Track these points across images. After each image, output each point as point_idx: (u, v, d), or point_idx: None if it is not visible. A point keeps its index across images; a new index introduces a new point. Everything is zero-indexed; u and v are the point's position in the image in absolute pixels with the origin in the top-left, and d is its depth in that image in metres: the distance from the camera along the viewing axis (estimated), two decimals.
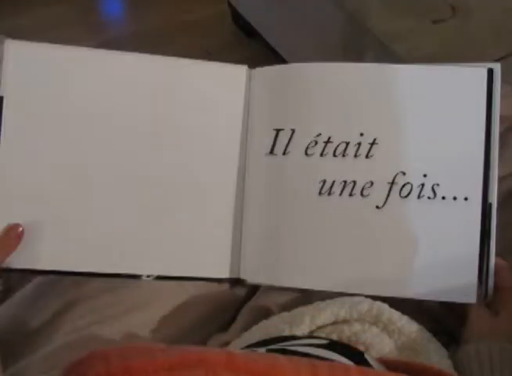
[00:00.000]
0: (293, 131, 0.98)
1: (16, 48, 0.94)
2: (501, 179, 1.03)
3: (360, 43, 1.82)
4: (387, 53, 1.70)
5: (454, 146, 0.94)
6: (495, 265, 0.86)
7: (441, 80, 0.98)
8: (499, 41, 1.68)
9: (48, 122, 0.94)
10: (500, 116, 1.09)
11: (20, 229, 0.89)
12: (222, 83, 1.02)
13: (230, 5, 2.61)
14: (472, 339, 0.80)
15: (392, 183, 0.93)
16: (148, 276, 0.91)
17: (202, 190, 0.98)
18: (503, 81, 1.23)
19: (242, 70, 1.03)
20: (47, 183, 0.93)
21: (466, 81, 0.97)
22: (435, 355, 0.79)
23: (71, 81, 0.95)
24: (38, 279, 0.95)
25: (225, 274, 0.98)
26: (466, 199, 0.91)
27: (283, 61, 2.29)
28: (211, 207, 0.99)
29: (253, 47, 2.57)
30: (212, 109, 1.01)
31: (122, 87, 0.97)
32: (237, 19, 2.63)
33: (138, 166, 0.96)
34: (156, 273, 0.93)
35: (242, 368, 0.50)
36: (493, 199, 0.90)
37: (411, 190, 0.93)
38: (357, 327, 0.80)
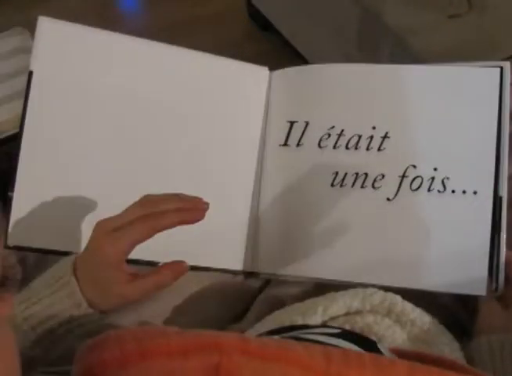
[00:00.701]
0: (306, 123, 1.00)
1: (48, 26, 0.94)
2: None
3: (375, 37, 1.82)
4: (403, 47, 1.70)
5: (465, 142, 0.95)
6: (506, 258, 0.87)
7: (454, 79, 0.99)
8: None
9: (74, 100, 0.95)
10: None
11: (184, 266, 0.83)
12: (245, 81, 1.04)
13: None
14: (483, 332, 0.81)
15: (403, 176, 0.94)
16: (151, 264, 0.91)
17: (220, 182, 1.00)
18: None
19: (264, 71, 1.06)
20: (71, 160, 0.95)
21: (479, 80, 0.97)
22: (447, 347, 0.79)
23: (98, 63, 0.96)
24: None
25: (239, 266, 0.99)
26: (475, 193, 0.91)
27: (297, 55, 2.29)
28: (229, 199, 1.00)
29: (268, 40, 2.57)
30: (234, 104, 1.03)
31: (148, 74, 0.99)
32: (252, 12, 2.63)
33: (160, 152, 0.97)
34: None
35: (255, 352, 0.50)
36: (503, 192, 0.90)
37: (421, 183, 0.93)
38: (370, 318, 0.80)
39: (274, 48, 2.49)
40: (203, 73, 1.03)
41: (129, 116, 0.97)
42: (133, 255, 0.80)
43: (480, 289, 0.86)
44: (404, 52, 1.70)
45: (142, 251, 0.85)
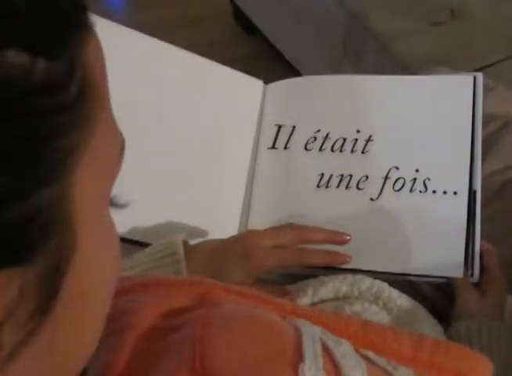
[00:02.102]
0: (293, 127, 1.04)
1: None
2: (495, 173, 1.07)
3: (360, 42, 1.85)
4: (386, 52, 1.73)
5: (444, 145, 0.98)
6: (482, 247, 0.90)
7: (432, 87, 1.05)
8: (495, 46, 1.72)
9: None
10: (494, 114, 1.14)
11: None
12: (241, 91, 1.09)
13: (232, 1, 2.64)
14: (462, 317, 0.84)
15: (386, 177, 0.97)
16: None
17: (218, 178, 1.03)
18: (499, 83, 1.28)
19: (259, 83, 1.11)
20: None
21: (455, 88, 1.03)
22: (431, 331, 0.82)
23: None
24: None
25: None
26: (455, 193, 0.94)
27: (281, 58, 2.32)
28: (222, 201, 1.02)
29: (252, 43, 2.60)
30: (229, 112, 1.07)
31: (147, 71, 1.01)
32: (238, 15, 2.66)
33: (151, 153, 0.99)
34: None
35: (234, 291, 0.58)
36: (477, 186, 0.94)
37: (404, 184, 0.97)
38: (357, 306, 0.83)
39: (258, 51, 2.52)
40: (201, 78, 1.06)
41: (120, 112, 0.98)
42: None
43: (457, 272, 0.89)
44: (388, 57, 1.73)
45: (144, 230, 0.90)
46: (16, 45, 0.27)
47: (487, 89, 1.21)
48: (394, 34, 1.75)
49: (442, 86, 1.05)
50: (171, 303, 0.52)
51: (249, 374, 0.43)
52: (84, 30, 0.32)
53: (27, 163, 0.28)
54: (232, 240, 0.85)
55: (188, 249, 0.83)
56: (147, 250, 0.83)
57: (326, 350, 0.47)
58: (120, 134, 0.37)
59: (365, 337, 0.55)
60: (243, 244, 0.84)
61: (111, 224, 0.38)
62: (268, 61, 2.41)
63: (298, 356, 0.45)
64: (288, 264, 0.85)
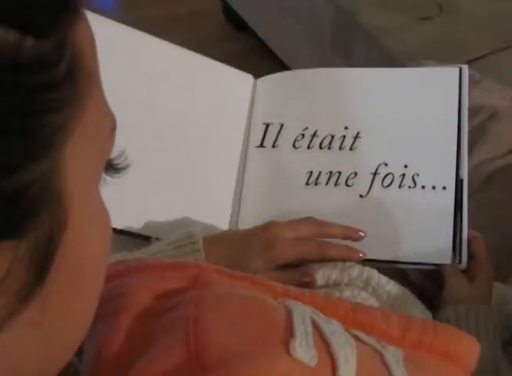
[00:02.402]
0: (281, 125, 1.05)
1: None
2: (482, 163, 1.09)
3: (349, 37, 1.86)
4: (375, 47, 1.75)
5: (432, 138, 1.00)
6: (469, 235, 0.92)
7: (418, 80, 1.06)
8: (482, 40, 1.74)
9: None
10: (481, 106, 1.16)
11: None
12: (231, 86, 1.10)
13: None
14: (450, 303, 0.86)
15: (375, 174, 0.99)
16: (157, 240, 0.94)
17: (207, 175, 1.03)
18: (487, 76, 1.30)
19: (249, 77, 1.12)
20: None
21: (441, 80, 1.04)
22: (421, 316, 0.84)
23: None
24: None
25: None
26: (444, 188, 0.96)
27: (272, 54, 2.33)
28: (213, 193, 1.03)
29: (243, 40, 2.62)
30: (218, 106, 1.08)
31: (137, 65, 1.02)
32: (228, 12, 2.67)
33: (141, 148, 1.00)
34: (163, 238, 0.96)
35: (227, 273, 0.60)
36: (464, 176, 0.95)
37: (393, 180, 0.98)
38: (347, 293, 0.84)
39: (249, 47, 2.53)
40: (192, 72, 1.07)
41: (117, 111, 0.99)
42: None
43: (446, 259, 0.91)
44: (377, 52, 1.75)
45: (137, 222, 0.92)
46: (3, 23, 0.28)
47: (474, 82, 1.23)
48: (383, 29, 1.77)
49: (428, 78, 1.06)
50: (165, 285, 0.54)
51: (242, 352, 0.44)
52: (73, 11, 0.33)
53: (16, 137, 0.29)
54: (254, 231, 0.86)
55: (207, 239, 0.84)
56: (166, 239, 0.85)
57: (317, 328, 0.49)
58: (111, 112, 0.38)
59: (354, 318, 0.57)
60: (265, 234, 0.85)
61: (102, 203, 0.39)
62: (258, 57, 2.42)
63: (289, 333, 0.46)
64: (309, 256, 0.86)
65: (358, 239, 0.90)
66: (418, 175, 0.97)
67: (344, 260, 0.87)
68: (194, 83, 1.07)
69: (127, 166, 0.41)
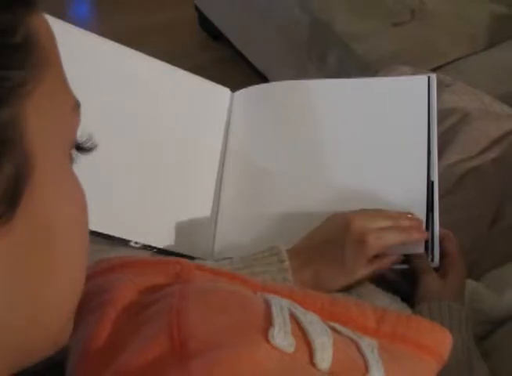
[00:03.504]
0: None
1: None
2: (453, 165, 1.12)
3: (324, 44, 1.89)
4: (349, 53, 1.78)
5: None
6: (442, 234, 0.94)
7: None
8: (453, 44, 1.77)
9: None
10: (452, 109, 1.19)
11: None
12: (208, 98, 1.13)
13: (197, 8, 2.67)
14: (424, 300, 0.88)
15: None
16: (136, 243, 0.96)
17: (189, 180, 1.06)
18: (458, 79, 1.32)
19: (226, 91, 1.16)
20: None
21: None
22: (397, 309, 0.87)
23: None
24: None
25: (197, 254, 1.03)
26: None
27: (248, 63, 2.35)
28: (196, 196, 1.06)
29: (219, 49, 2.63)
30: (196, 118, 1.11)
31: (117, 78, 1.04)
32: (203, 22, 2.69)
33: (138, 151, 1.03)
34: (143, 242, 0.98)
35: (208, 270, 0.62)
36: (435, 177, 0.98)
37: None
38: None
39: (225, 57, 2.55)
40: (170, 85, 1.10)
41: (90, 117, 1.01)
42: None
43: (419, 248, 0.93)
44: (350, 58, 1.78)
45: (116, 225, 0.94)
46: None
47: (445, 85, 1.26)
48: (357, 35, 1.80)
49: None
50: (148, 281, 0.56)
51: (223, 340, 0.46)
52: (29, 4, 0.40)
53: None
54: (336, 230, 0.89)
55: (292, 254, 0.87)
56: (253, 255, 0.87)
57: (294, 318, 0.51)
58: (73, 95, 0.44)
59: (331, 310, 0.59)
60: (352, 230, 0.87)
61: (75, 179, 0.44)
62: (234, 66, 2.44)
63: (268, 323, 0.48)
64: (394, 242, 0.89)
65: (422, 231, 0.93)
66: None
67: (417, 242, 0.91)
68: (171, 97, 1.09)
69: (94, 147, 0.47)
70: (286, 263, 0.84)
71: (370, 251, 0.87)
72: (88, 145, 0.46)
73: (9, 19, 0.38)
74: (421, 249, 0.92)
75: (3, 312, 0.38)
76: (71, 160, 0.45)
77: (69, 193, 0.43)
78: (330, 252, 0.87)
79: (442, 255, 0.93)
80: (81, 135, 0.46)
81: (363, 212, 0.90)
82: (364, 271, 0.88)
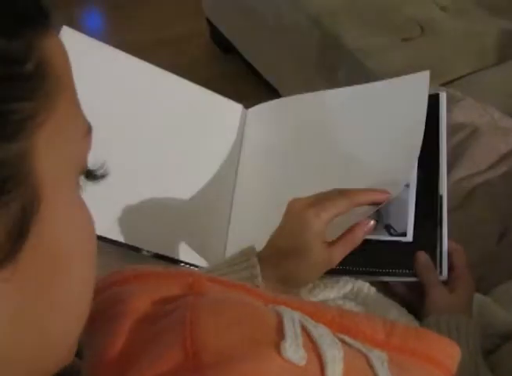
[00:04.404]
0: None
1: (67, 36, 0.96)
2: (462, 179, 1.13)
3: (333, 59, 1.90)
4: (359, 68, 1.79)
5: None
6: (450, 247, 0.95)
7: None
8: (463, 60, 1.79)
9: None
10: (462, 124, 1.20)
11: (372, 223, 0.92)
12: (222, 114, 1.15)
13: (208, 21, 2.68)
14: (432, 314, 0.89)
15: None
16: (147, 252, 0.98)
17: (202, 191, 1.08)
18: (468, 95, 1.33)
19: (239, 107, 1.17)
20: None
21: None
22: (405, 322, 0.87)
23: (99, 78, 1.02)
24: None
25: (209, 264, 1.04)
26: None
27: (259, 76, 2.36)
28: (209, 206, 1.08)
29: (230, 62, 2.64)
30: (209, 133, 1.13)
31: (126, 91, 1.05)
32: (215, 35, 2.71)
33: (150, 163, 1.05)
34: (154, 251, 0.99)
35: (219, 281, 0.62)
36: (443, 191, 0.98)
37: None
38: (340, 301, 0.88)
39: (236, 70, 2.56)
40: (183, 99, 1.11)
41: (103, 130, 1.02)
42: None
43: (387, 196, 0.92)
44: (360, 73, 1.79)
45: (129, 233, 0.95)
46: None
47: (455, 101, 1.27)
48: (366, 50, 1.81)
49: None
50: (162, 292, 0.57)
51: (236, 352, 0.47)
52: (41, 26, 0.38)
53: None
54: (285, 219, 0.89)
55: (261, 253, 0.87)
56: (225, 258, 0.89)
57: (305, 330, 0.51)
58: (86, 119, 0.43)
59: (341, 323, 0.59)
60: (290, 213, 0.88)
61: (84, 206, 0.44)
62: (245, 79, 2.45)
63: (280, 335, 0.49)
64: (341, 210, 0.87)
65: (386, 198, 0.91)
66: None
67: (374, 204, 0.91)
68: (183, 112, 1.11)
69: (106, 175, 0.46)
70: (254, 259, 0.85)
71: (316, 230, 0.85)
72: (100, 172, 0.46)
73: (21, 47, 0.36)
74: (395, 192, 0.93)
75: (10, 347, 0.39)
76: (80, 186, 0.44)
77: (77, 221, 0.43)
78: (292, 249, 0.87)
79: (450, 268, 0.93)
80: (93, 161, 0.44)
81: (315, 196, 0.89)
82: (330, 254, 0.87)
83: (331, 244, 0.88)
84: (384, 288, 0.92)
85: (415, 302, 0.94)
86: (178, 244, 1.01)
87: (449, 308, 0.89)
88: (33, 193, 0.37)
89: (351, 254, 0.91)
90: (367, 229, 0.90)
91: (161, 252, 0.99)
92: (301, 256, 0.86)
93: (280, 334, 0.49)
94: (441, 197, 0.98)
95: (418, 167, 0.99)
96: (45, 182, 0.38)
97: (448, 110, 1.08)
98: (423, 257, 0.93)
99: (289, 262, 0.86)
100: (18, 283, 0.37)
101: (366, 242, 0.94)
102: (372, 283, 0.92)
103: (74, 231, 0.42)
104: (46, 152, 0.37)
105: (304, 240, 0.86)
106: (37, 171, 0.37)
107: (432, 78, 1.06)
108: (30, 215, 0.37)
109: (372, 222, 0.90)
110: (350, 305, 0.87)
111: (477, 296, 0.97)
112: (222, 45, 2.68)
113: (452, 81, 1.67)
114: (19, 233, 0.36)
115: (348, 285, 0.91)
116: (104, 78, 1.02)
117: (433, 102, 1.05)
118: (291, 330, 0.50)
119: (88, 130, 0.43)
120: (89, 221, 0.44)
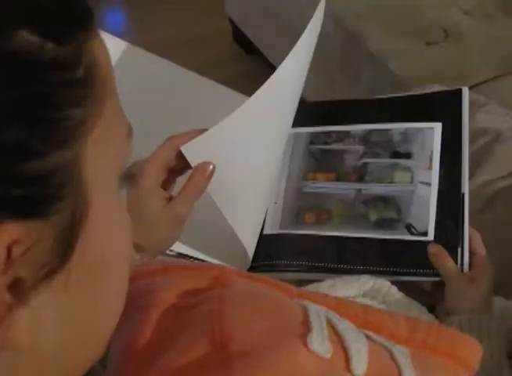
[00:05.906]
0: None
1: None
2: (485, 184, 1.13)
3: (357, 61, 1.90)
4: (382, 71, 1.79)
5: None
6: (469, 233, 0.95)
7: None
8: (486, 65, 1.78)
9: None
10: (485, 128, 1.20)
11: (211, 167, 0.86)
12: None
13: (231, 21, 2.70)
14: (453, 313, 0.89)
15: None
16: (171, 251, 0.98)
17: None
18: (492, 99, 1.34)
19: None
20: None
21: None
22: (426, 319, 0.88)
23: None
24: None
25: (236, 265, 1.04)
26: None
27: None
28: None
29: (252, 62, 2.66)
30: None
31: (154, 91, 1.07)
32: (237, 35, 2.72)
33: None
34: (177, 250, 0.99)
35: (246, 275, 0.63)
36: (465, 190, 0.98)
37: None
38: (360, 300, 0.89)
39: (258, 70, 2.55)
40: (209, 99, 1.12)
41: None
42: None
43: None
44: (383, 76, 1.79)
45: None
46: (28, 28, 0.33)
47: (479, 105, 1.27)
48: (390, 53, 1.82)
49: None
50: (189, 285, 0.58)
51: (263, 343, 0.48)
52: (90, 28, 0.38)
53: (42, 125, 0.34)
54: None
55: None
56: None
57: (330, 324, 0.52)
58: (127, 120, 0.43)
59: (364, 319, 0.60)
60: (134, 184, 0.84)
61: (123, 208, 0.44)
62: (267, 79, 2.44)
63: (306, 328, 0.49)
64: (164, 157, 0.85)
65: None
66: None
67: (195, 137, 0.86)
68: (203, 107, 1.11)
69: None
70: None
71: (144, 185, 0.83)
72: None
73: (72, 51, 0.36)
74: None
75: (56, 348, 0.39)
76: (120, 187, 0.44)
77: (119, 223, 0.43)
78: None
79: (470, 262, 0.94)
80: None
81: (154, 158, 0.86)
82: (172, 207, 0.84)
83: (173, 197, 0.85)
84: (405, 288, 0.92)
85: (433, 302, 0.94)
86: (204, 244, 1.02)
87: (471, 301, 0.89)
88: (82, 199, 0.37)
89: (373, 253, 0.92)
90: (208, 173, 0.85)
91: (185, 252, 0.99)
92: (139, 217, 0.82)
93: (306, 326, 0.50)
94: (463, 195, 0.98)
95: (439, 165, 1.00)
96: (93, 187, 0.38)
97: (472, 114, 1.08)
98: (435, 248, 0.93)
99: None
100: (66, 289, 0.38)
101: (387, 242, 0.94)
102: (392, 282, 0.92)
103: (116, 233, 0.43)
104: (94, 156, 0.38)
105: (135, 198, 0.83)
106: (86, 177, 0.37)
107: (455, 82, 1.06)
108: (79, 222, 0.37)
109: (211, 166, 0.86)
110: (371, 304, 0.88)
111: (499, 300, 0.97)
112: (245, 45, 2.69)
113: (475, 86, 1.67)
114: (69, 240, 0.36)
115: (369, 283, 0.91)
116: (126, 77, 1.03)
117: (456, 98, 1.05)
118: (317, 323, 0.50)
119: (129, 131, 0.44)
120: (128, 222, 0.45)
